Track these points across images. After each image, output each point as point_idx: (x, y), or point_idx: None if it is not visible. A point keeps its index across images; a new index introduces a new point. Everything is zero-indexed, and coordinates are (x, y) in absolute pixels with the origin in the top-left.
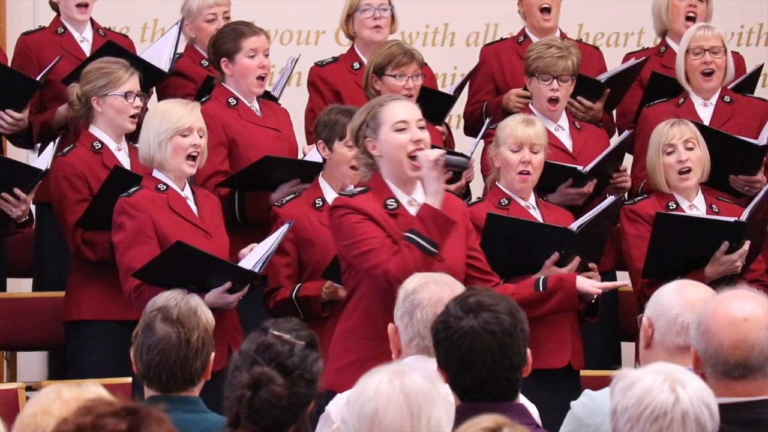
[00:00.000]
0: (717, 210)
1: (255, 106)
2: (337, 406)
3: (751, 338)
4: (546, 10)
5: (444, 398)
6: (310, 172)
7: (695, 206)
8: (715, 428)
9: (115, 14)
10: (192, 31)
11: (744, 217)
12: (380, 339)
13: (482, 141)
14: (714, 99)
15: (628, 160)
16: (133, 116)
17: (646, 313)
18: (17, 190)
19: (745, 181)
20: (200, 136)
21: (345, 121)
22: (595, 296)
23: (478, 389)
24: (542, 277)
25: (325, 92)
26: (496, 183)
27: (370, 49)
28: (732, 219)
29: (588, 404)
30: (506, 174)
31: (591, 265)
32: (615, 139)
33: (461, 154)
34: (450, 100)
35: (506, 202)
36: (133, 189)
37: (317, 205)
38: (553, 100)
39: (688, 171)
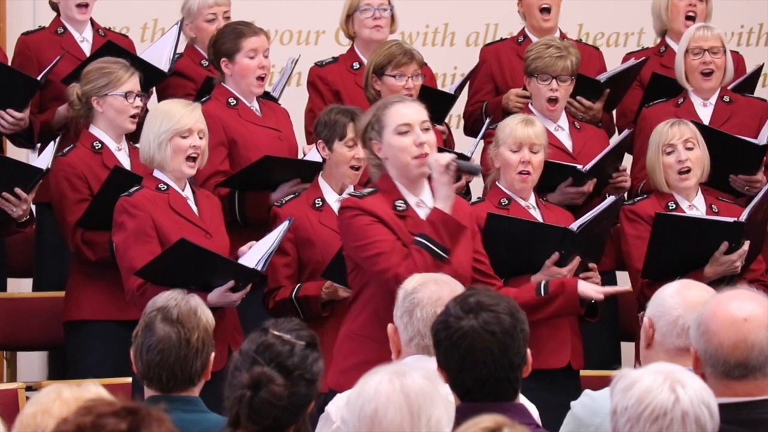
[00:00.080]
0: (717, 210)
1: (255, 106)
2: (337, 406)
3: (751, 338)
4: (546, 10)
5: (444, 398)
6: (310, 171)
7: (695, 206)
8: (715, 428)
9: (115, 14)
10: (192, 30)
11: (743, 217)
12: (387, 340)
13: (482, 141)
14: (713, 99)
15: (627, 160)
16: (133, 116)
17: (648, 312)
18: (18, 190)
19: (745, 181)
20: (200, 138)
21: (345, 121)
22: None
23: (478, 389)
24: (544, 282)
25: (325, 92)
26: (496, 183)
27: (369, 49)
28: (731, 219)
29: (588, 404)
30: (506, 174)
31: (591, 265)
32: (615, 139)
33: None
34: (450, 99)
35: (506, 202)
36: (134, 188)
37: (317, 205)
38: (553, 100)
39: (688, 171)
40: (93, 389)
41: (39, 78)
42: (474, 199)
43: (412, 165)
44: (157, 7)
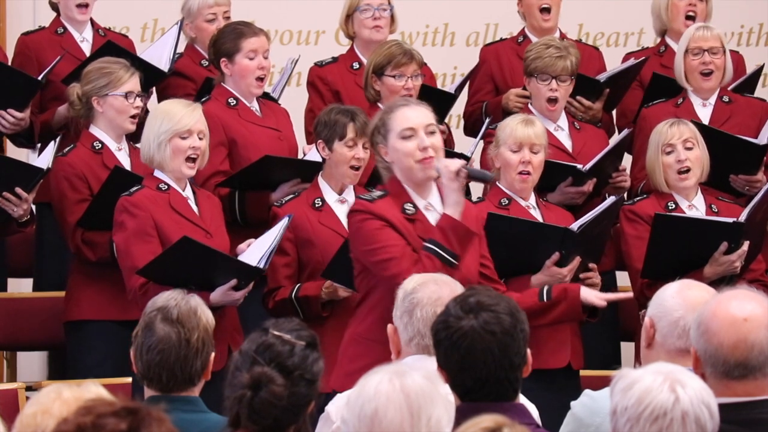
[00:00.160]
0: (716, 210)
1: (255, 106)
2: (337, 406)
3: (751, 338)
4: (546, 11)
5: (444, 398)
6: (310, 171)
7: (695, 206)
8: (715, 428)
9: (115, 14)
10: (192, 30)
11: (743, 217)
12: None
13: (482, 141)
14: (713, 99)
15: (627, 160)
16: (133, 116)
17: (649, 312)
18: (19, 190)
19: (746, 181)
20: (200, 138)
21: (345, 121)
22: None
23: (478, 389)
24: (546, 287)
25: (325, 92)
26: (497, 183)
27: (369, 49)
28: (731, 220)
29: (588, 404)
30: (506, 174)
31: (591, 265)
32: (614, 139)
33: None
34: (450, 99)
35: (506, 202)
36: (135, 188)
37: (317, 205)
38: (552, 100)
39: (687, 171)
40: (93, 389)
41: (40, 78)
42: (474, 199)
43: (416, 169)
44: (157, 7)
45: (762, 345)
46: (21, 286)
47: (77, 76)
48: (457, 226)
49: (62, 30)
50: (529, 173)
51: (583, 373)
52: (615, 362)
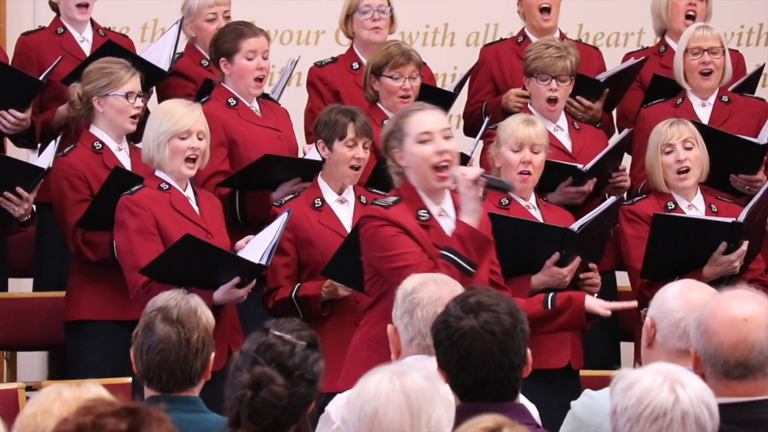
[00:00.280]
0: (716, 210)
1: (255, 106)
2: (337, 406)
3: (751, 338)
4: (546, 10)
5: (444, 398)
6: (310, 170)
7: (694, 206)
8: (715, 428)
9: (115, 14)
10: (192, 30)
11: (742, 217)
12: None
13: (481, 141)
14: (712, 99)
15: (627, 160)
16: (133, 117)
17: (650, 312)
18: (20, 189)
19: (746, 181)
20: (200, 139)
21: (345, 121)
22: (596, 296)
23: (478, 389)
24: (551, 295)
25: (324, 92)
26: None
27: (369, 50)
28: (730, 220)
29: (588, 404)
30: (507, 174)
31: (591, 265)
32: (614, 138)
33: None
34: (450, 97)
35: (507, 202)
36: (136, 187)
37: (316, 205)
38: (552, 100)
39: (687, 171)
40: (93, 389)
41: (41, 78)
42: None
43: (431, 177)
44: (157, 7)
45: (762, 345)
46: (21, 286)
47: (77, 76)
48: (475, 234)
49: (62, 30)
50: (529, 173)
51: (583, 373)
52: (615, 362)
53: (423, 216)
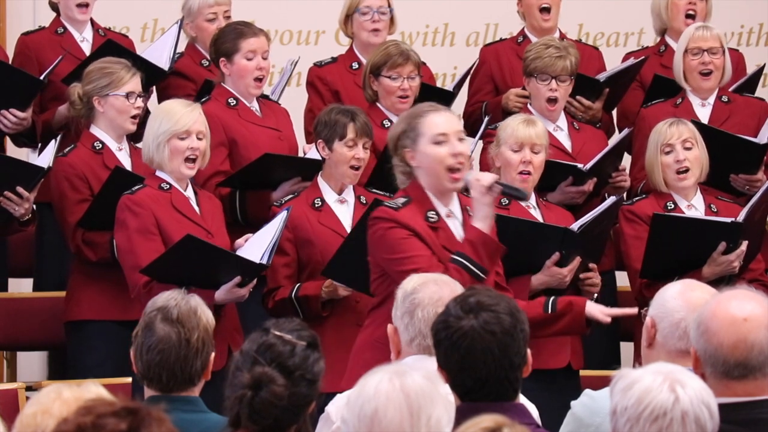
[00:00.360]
0: (716, 210)
1: (255, 106)
2: (337, 407)
3: (751, 338)
4: (545, 10)
5: (444, 398)
6: (310, 170)
7: (694, 206)
8: (715, 428)
9: (115, 14)
10: (192, 30)
11: (741, 217)
12: None
13: (481, 141)
14: (712, 99)
15: (627, 160)
16: (134, 117)
17: (650, 312)
18: (20, 189)
19: (746, 180)
20: (199, 139)
21: (345, 121)
22: (595, 297)
23: (478, 389)
24: (552, 299)
25: (324, 92)
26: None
27: (368, 50)
28: (729, 220)
29: (588, 404)
30: (507, 174)
31: (591, 265)
32: (614, 138)
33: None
34: (449, 96)
35: (507, 202)
36: (137, 187)
37: (316, 205)
38: (552, 100)
39: (686, 171)
40: (93, 389)
41: (41, 78)
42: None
43: (445, 178)
44: (157, 7)
45: (762, 345)
46: (21, 286)
47: (77, 76)
48: (487, 240)
49: (62, 30)
50: (529, 173)
51: (583, 373)
52: (615, 362)
53: (432, 218)
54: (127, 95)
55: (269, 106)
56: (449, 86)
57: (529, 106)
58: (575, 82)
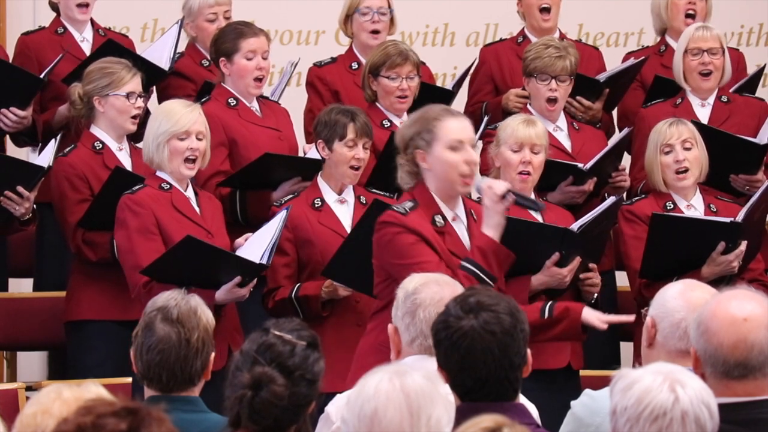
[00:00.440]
0: (715, 209)
1: (255, 106)
2: (337, 407)
3: (751, 338)
4: (545, 11)
5: (444, 398)
6: (310, 169)
7: (693, 206)
8: (715, 428)
9: (115, 14)
10: (193, 30)
11: (740, 217)
12: None
13: (480, 141)
14: (711, 99)
15: (627, 160)
16: (134, 117)
17: (651, 312)
18: (20, 188)
19: (746, 181)
20: (199, 140)
21: (345, 121)
22: (595, 297)
23: (478, 389)
24: (549, 304)
25: (324, 92)
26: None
27: (368, 50)
28: (728, 220)
29: (588, 404)
30: (506, 174)
31: (591, 265)
32: (615, 138)
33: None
34: (449, 95)
35: None
36: (137, 187)
37: (316, 205)
38: (552, 100)
39: (685, 171)
40: (93, 389)
41: (42, 75)
42: (474, 198)
43: (457, 183)
44: (157, 7)
45: (762, 345)
46: (21, 286)
47: (77, 76)
48: (498, 249)
49: (62, 30)
50: (529, 173)
51: (583, 373)
52: (614, 362)
53: (439, 222)
54: (128, 95)
55: (269, 106)
56: (449, 86)
57: (528, 106)
58: (575, 83)
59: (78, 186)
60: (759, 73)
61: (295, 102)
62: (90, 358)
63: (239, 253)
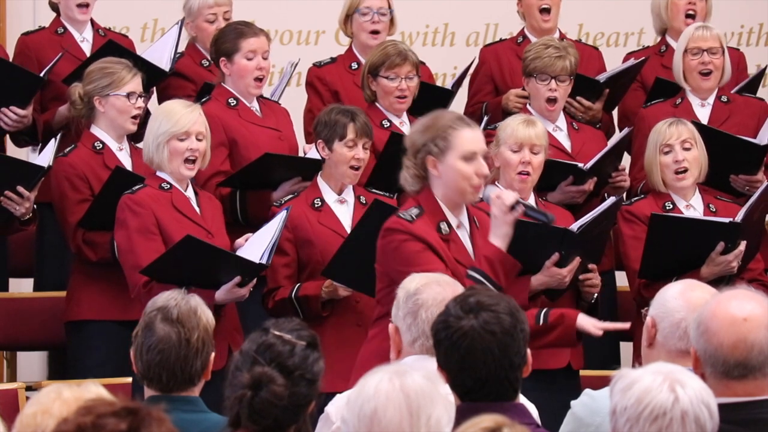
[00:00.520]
0: (714, 209)
1: (255, 106)
2: (337, 407)
3: (751, 338)
4: (546, 11)
5: (444, 398)
6: (310, 169)
7: (692, 206)
8: (715, 428)
9: (115, 14)
10: (193, 30)
11: (739, 217)
12: None
13: None
14: (711, 99)
15: (627, 160)
16: (134, 117)
17: (651, 311)
18: (20, 188)
19: (746, 181)
20: (199, 140)
21: (345, 122)
22: (595, 296)
23: (478, 389)
24: (544, 311)
25: (324, 92)
26: (496, 183)
27: (367, 50)
28: (727, 220)
29: (588, 404)
30: (506, 174)
31: (591, 266)
32: (615, 138)
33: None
34: (448, 95)
35: None
36: (137, 186)
37: (316, 206)
38: (551, 101)
39: (685, 171)
40: (93, 389)
41: (42, 74)
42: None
43: (468, 192)
44: (157, 7)
45: (762, 345)
46: (22, 286)
47: (78, 76)
48: (505, 259)
49: (62, 30)
50: (528, 173)
51: (583, 373)
52: (615, 362)
53: (444, 230)
54: (128, 95)
55: (269, 106)
56: (449, 86)
57: (528, 106)
58: (575, 83)
59: (78, 186)
60: (760, 74)
61: (295, 102)
62: (90, 358)
63: (239, 253)
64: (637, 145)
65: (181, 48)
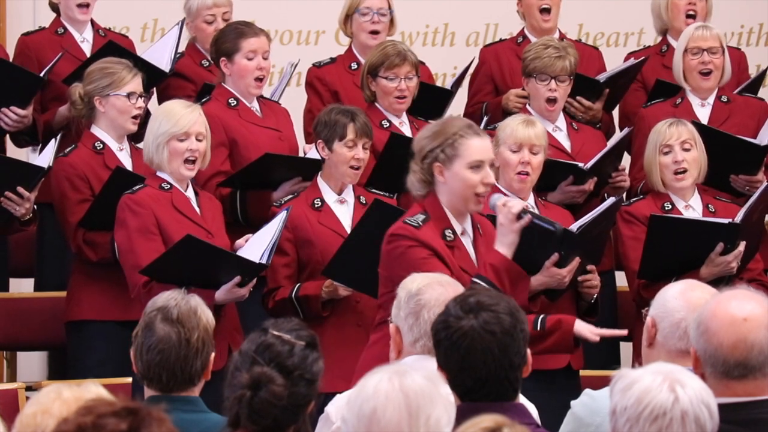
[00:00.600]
0: (714, 210)
1: (255, 106)
2: (336, 407)
3: (751, 338)
4: (546, 11)
5: (444, 398)
6: (310, 169)
7: (691, 206)
8: (715, 428)
9: (115, 14)
10: (192, 30)
11: (738, 218)
12: None
13: None
14: (711, 99)
15: (627, 160)
16: (135, 117)
17: (651, 311)
18: (21, 189)
19: (746, 181)
20: (199, 140)
21: (345, 122)
22: (595, 296)
23: (478, 389)
24: (542, 317)
25: (323, 93)
26: (495, 183)
27: (367, 50)
28: (726, 220)
29: (588, 404)
30: (505, 174)
31: (590, 267)
32: (615, 137)
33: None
34: (448, 95)
35: None
36: (138, 186)
37: (316, 206)
38: (551, 101)
39: (684, 171)
40: (93, 389)
41: (42, 74)
42: None
43: (471, 201)
44: (157, 7)
45: (762, 345)
46: (22, 286)
47: (78, 77)
48: (511, 267)
49: (62, 30)
50: (528, 174)
51: (583, 373)
52: (614, 362)
53: (449, 236)
54: (129, 95)
55: (269, 106)
56: (448, 86)
57: (528, 106)
58: (575, 83)
59: (78, 186)
60: (762, 75)
61: (295, 102)
62: (90, 358)
63: (239, 253)
64: (637, 145)
65: (182, 48)
